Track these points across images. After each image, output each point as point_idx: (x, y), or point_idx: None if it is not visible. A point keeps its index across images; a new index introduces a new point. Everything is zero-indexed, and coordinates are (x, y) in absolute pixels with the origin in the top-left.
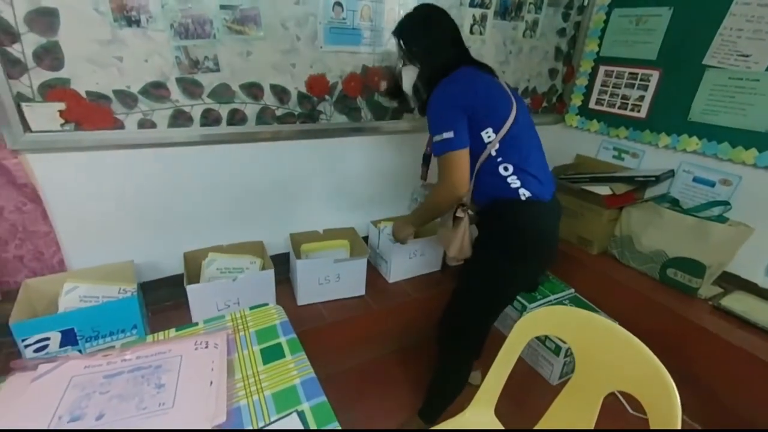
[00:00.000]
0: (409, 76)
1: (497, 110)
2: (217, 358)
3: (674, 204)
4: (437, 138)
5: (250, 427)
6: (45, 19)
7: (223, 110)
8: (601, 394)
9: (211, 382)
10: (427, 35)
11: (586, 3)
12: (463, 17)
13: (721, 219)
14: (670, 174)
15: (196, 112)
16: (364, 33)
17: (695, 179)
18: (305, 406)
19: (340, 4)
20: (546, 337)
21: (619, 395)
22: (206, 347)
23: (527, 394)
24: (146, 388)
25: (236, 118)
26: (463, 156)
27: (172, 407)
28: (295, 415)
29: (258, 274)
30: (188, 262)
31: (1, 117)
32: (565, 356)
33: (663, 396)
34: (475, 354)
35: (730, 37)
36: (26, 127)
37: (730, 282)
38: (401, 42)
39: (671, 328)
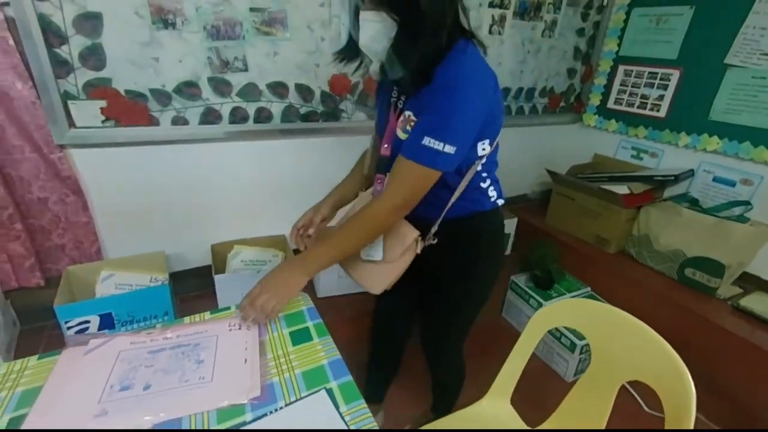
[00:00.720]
0: (377, 29)
1: (499, 117)
2: (250, 339)
3: (694, 204)
4: (433, 143)
5: (283, 402)
6: (90, 23)
7: (251, 108)
8: (617, 384)
9: (246, 360)
10: None
11: (605, 3)
12: (482, 18)
13: (742, 219)
14: (690, 173)
15: (226, 110)
16: None
17: (715, 179)
18: (333, 384)
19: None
20: (561, 333)
21: (634, 393)
22: (239, 329)
23: (542, 390)
24: (187, 363)
25: (262, 115)
26: (437, 177)
27: (211, 381)
28: (323, 391)
29: None
30: (215, 254)
31: (49, 114)
32: (581, 353)
33: (678, 385)
34: None
35: (753, 35)
36: (71, 124)
37: (751, 282)
38: None
39: (689, 327)
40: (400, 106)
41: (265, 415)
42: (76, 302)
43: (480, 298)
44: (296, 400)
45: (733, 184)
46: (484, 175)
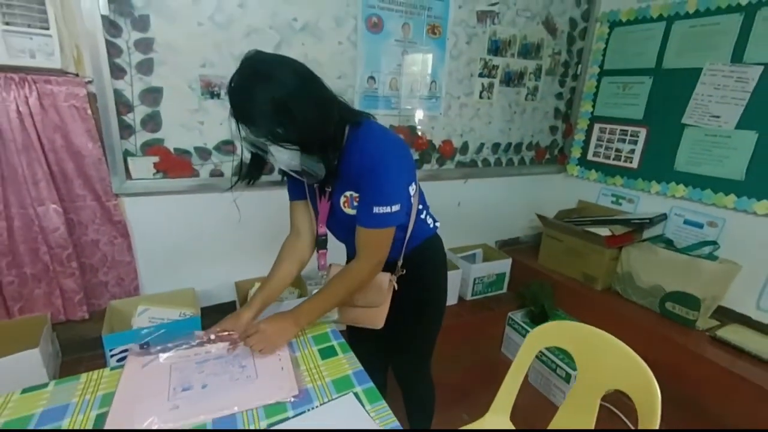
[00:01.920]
0: (287, 155)
1: (413, 162)
2: (283, 352)
3: (669, 244)
4: (383, 210)
5: (318, 402)
6: (153, 95)
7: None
8: (600, 393)
9: (282, 368)
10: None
11: (579, 72)
12: (474, 85)
13: (711, 257)
14: (663, 217)
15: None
16: (391, 99)
17: (686, 221)
18: (358, 389)
19: (373, 78)
20: (556, 365)
21: (615, 409)
22: None
23: (541, 416)
24: (232, 369)
25: None
26: (394, 231)
27: (257, 378)
28: (351, 394)
29: (300, 300)
30: (239, 290)
31: (112, 168)
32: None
33: (646, 388)
34: None
35: (702, 101)
36: (128, 176)
37: (726, 315)
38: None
39: (672, 357)
40: (328, 190)
41: (304, 411)
42: (119, 332)
43: (441, 306)
44: (329, 401)
45: (701, 226)
46: (420, 207)
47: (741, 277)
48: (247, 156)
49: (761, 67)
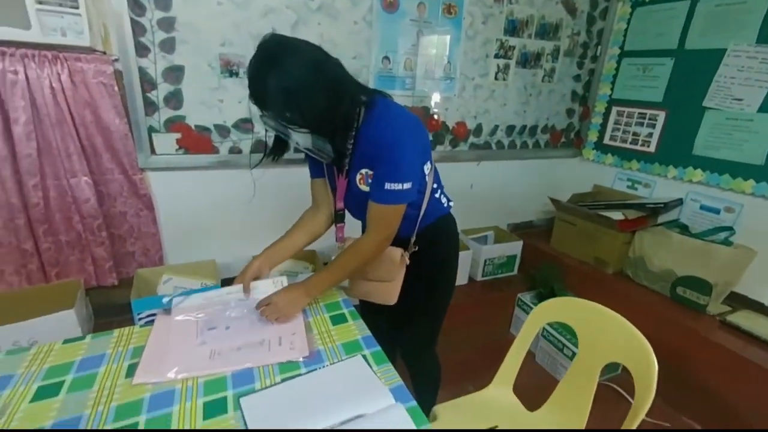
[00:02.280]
0: (301, 136)
1: (428, 140)
2: (299, 317)
3: (684, 229)
4: (395, 186)
5: (328, 362)
6: (175, 73)
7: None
8: (600, 364)
9: (295, 332)
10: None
11: (598, 53)
12: (489, 67)
13: (726, 243)
14: (678, 202)
15: (272, 142)
16: (406, 80)
17: (702, 207)
18: (366, 352)
19: (387, 58)
20: (563, 345)
21: (616, 387)
22: None
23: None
24: (252, 316)
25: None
26: (402, 210)
27: (271, 339)
28: (360, 356)
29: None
30: None
31: (138, 144)
32: None
33: (644, 361)
34: None
35: (724, 83)
36: (152, 151)
37: (740, 301)
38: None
39: (682, 341)
40: (345, 167)
41: (315, 369)
42: (146, 297)
43: (451, 284)
44: (338, 361)
45: (717, 211)
46: (435, 186)
47: (756, 264)
48: (271, 135)
49: None
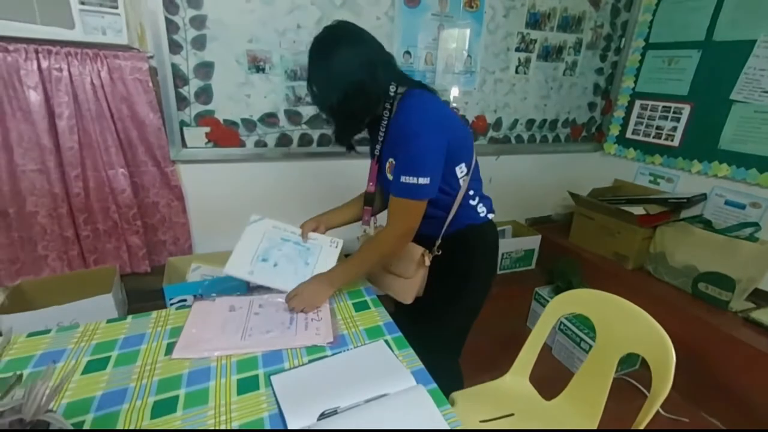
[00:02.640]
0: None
1: (467, 142)
2: (324, 304)
3: (707, 224)
4: (408, 179)
5: (352, 346)
6: (205, 69)
7: (315, 134)
8: (618, 355)
9: (321, 318)
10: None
11: (622, 45)
12: (510, 60)
13: (752, 239)
14: (702, 197)
15: (296, 135)
16: (426, 74)
17: (726, 202)
18: (388, 337)
19: (408, 53)
20: (581, 339)
21: (634, 381)
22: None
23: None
24: (278, 305)
25: (323, 140)
26: (422, 207)
27: (298, 325)
28: (382, 341)
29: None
30: None
31: (170, 137)
32: None
33: (662, 352)
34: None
35: (754, 75)
36: (183, 145)
37: (764, 298)
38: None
39: (704, 337)
40: (377, 154)
41: (340, 352)
42: (177, 284)
43: (472, 301)
44: (362, 345)
45: (743, 207)
46: (471, 193)
47: None
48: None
49: None
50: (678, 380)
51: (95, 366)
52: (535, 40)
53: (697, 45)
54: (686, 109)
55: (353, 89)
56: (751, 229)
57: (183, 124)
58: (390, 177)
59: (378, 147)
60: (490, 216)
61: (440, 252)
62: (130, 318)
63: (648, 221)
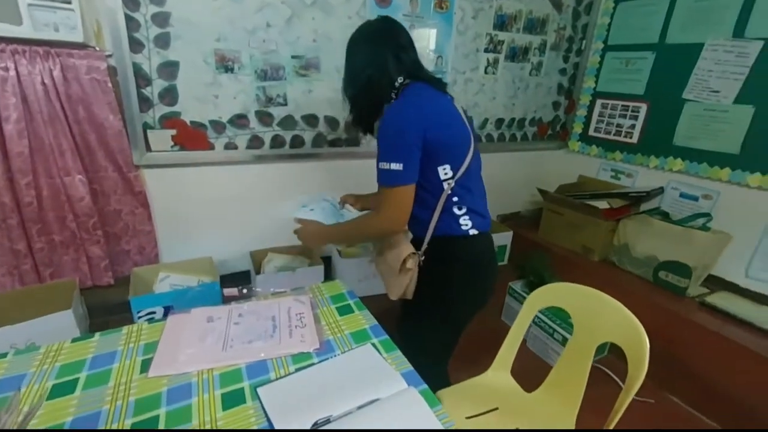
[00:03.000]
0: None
1: (458, 145)
2: (307, 310)
3: (665, 216)
4: (384, 166)
5: (339, 352)
6: (170, 69)
7: (287, 135)
8: (594, 345)
9: (305, 325)
10: (356, 60)
11: (583, 47)
12: (479, 60)
13: (704, 228)
14: (660, 191)
15: (268, 137)
16: None
17: (681, 195)
18: (375, 341)
19: None
20: (554, 330)
21: (605, 369)
22: (298, 303)
23: (536, 375)
24: (258, 314)
25: (296, 142)
26: (408, 192)
27: (282, 331)
28: (369, 345)
29: (312, 268)
30: (254, 259)
31: (132, 140)
32: None
33: (636, 339)
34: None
35: (702, 76)
36: (148, 148)
37: (716, 283)
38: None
39: (665, 322)
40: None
41: (327, 358)
42: (145, 295)
43: (449, 316)
44: (349, 350)
45: (696, 198)
46: (455, 199)
47: (731, 247)
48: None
49: (761, 42)
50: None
51: (62, 390)
52: (503, 41)
53: (651, 47)
54: (643, 108)
55: (363, 82)
56: (704, 219)
57: (147, 126)
58: None
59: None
60: (473, 232)
61: (423, 258)
62: (97, 335)
63: (612, 215)
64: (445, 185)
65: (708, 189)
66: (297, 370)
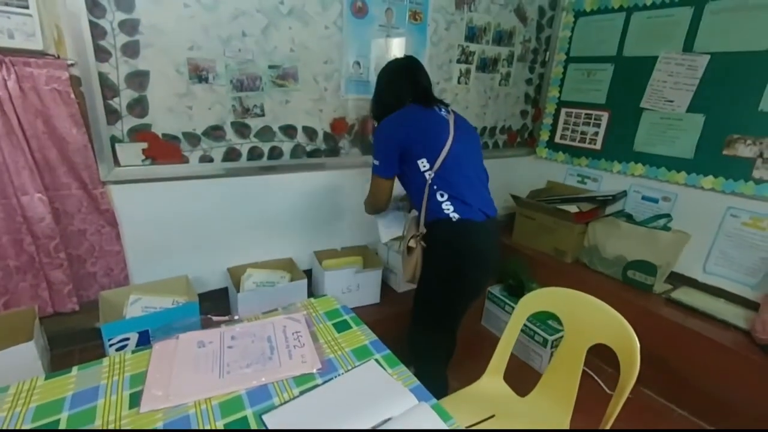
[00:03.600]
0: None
1: (433, 143)
2: (303, 329)
3: (629, 218)
4: (372, 160)
5: (342, 370)
6: (139, 79)
7: (265, 147)
8: (585, 347)
9: (303, 344)
10: (381, 89)
11: (547, 59)
12: (452, 71)
13: (666, 228)
14: (623, 194)
15: (245, 149)
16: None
17: (643, 197)
18: (377, 356)
19: (358, 63)
20: (534, 332)
21: (595, 377)
22: (293, 321)
23: (524, 377)
24: (260, 344)
25: (275, 153)
26: (382, 183)
27: (280, 353)
28: (373, 361)
29: (294, 283)
30: (232, 276)
31: (99, 155)
32: (552, 347)
33: (626, 340)
34: (446, 359)
35: (658, 86)
36: (116, 163)
37: (678, 279)
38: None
39: (634, 317)
40: None
41: (332, 378)
42: (118, 321)
43: (426, 295)
44: (353, 368)
45: (656, 201)
46: (435, 187)
47: (690, 245)
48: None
49: (708, 56)
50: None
51: None
52: (474, 53)
53: (610, 59)
54: (605, 116)
55: (383, 103)
56: (665, 220)
57: (114, 140)
58: None
59: None
60: (455, 216)
61: (423, 242)
62: (75, 369)
63: (582, 218)
64: (427, 176)
65: (667, 191)
66: (301, 392)
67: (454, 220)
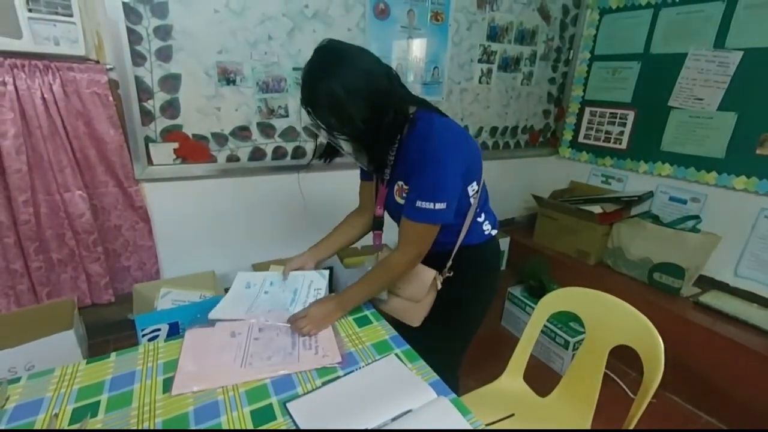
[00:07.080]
0: (343, 143)
1: (478, 161)
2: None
3: (655, 219)
4: (426, 205)
5: (363, 363)
6: (172, 82)
7: (289, 147)
8: (607, 349)
9: (324, 338)
10: (359, 101)
11: (571, 57)
12: (474, 71)
13: (695, 230)
14: (650, 195)
15: (269, 149)
16: None
17: (671, 198)
18: (398, 351)
19: None
20: (555, 334)
21: (619, 381)
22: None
23: (545, 379)
24: (285, 337)
25: (298, 153)
26: (438, 229)
27: (302, 346)
28: (393, 355)
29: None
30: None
31: (134, 154)
32: (573, 350)
33: (650, 340)
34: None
35: (687, 84)
36: (149, 162)
37: (707, 283)
38: (318, 113)
39: (660, 321)
40: (387, 177)
41: (353, 371)
42: (150, 312)
43: (476, 311)
44: (373, 362)
45: (685, 202)
46: (478, 210)
47: (720, 248)
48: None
49: (741, 53)
50: (639, 361)
51: (83, 414)
52: (496, 52)
53: (636, 57)
54: (631, 115)
55: (377, 104)
56: (693, 221)
57: (148, 140)
58: (399, 200)
59: (388, 171)
60: (494, 232)
61: (451, 274)
62: (113, 355)
63: (606, 219)
64: (472, 200)
65: (696, 192)
66: (324, 383)
67: (493, 235)
